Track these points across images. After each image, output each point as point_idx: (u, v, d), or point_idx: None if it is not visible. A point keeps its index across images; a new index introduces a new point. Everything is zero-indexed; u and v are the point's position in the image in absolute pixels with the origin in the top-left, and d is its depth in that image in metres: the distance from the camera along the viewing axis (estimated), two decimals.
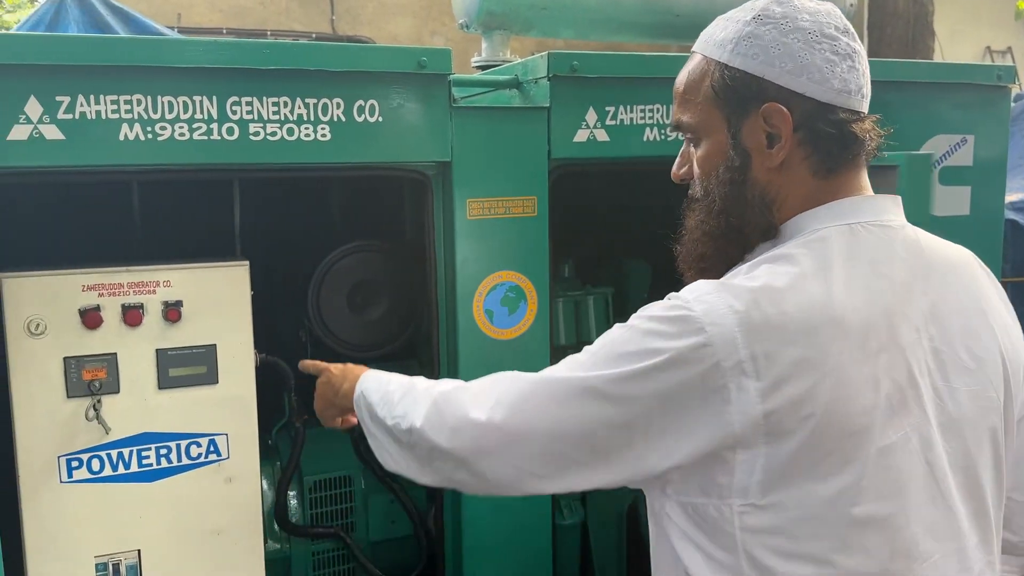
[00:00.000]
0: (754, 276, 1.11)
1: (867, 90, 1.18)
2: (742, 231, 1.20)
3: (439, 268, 2.24)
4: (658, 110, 2.35)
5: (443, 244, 2.23)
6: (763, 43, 1.14)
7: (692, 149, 1.27)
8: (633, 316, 1.15)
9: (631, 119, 2.32)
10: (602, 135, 2.30)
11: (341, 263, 2.56)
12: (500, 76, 2.41)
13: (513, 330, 2.29)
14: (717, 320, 1.06)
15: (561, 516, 2.78)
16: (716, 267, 1.22)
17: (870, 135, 1.18)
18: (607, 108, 2.29)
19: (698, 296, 1.10)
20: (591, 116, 2.28)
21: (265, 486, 2.48)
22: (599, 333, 2.85)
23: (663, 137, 2.36)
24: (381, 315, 2.63)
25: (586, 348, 1.20)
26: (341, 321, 2.57)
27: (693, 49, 1.25)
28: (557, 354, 2.10)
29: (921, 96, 2.62)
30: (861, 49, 1.17)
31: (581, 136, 2.28)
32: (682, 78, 1.25)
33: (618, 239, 3.28)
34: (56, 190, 2.40)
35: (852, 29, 1.17)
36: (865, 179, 1.21)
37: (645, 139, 2.35)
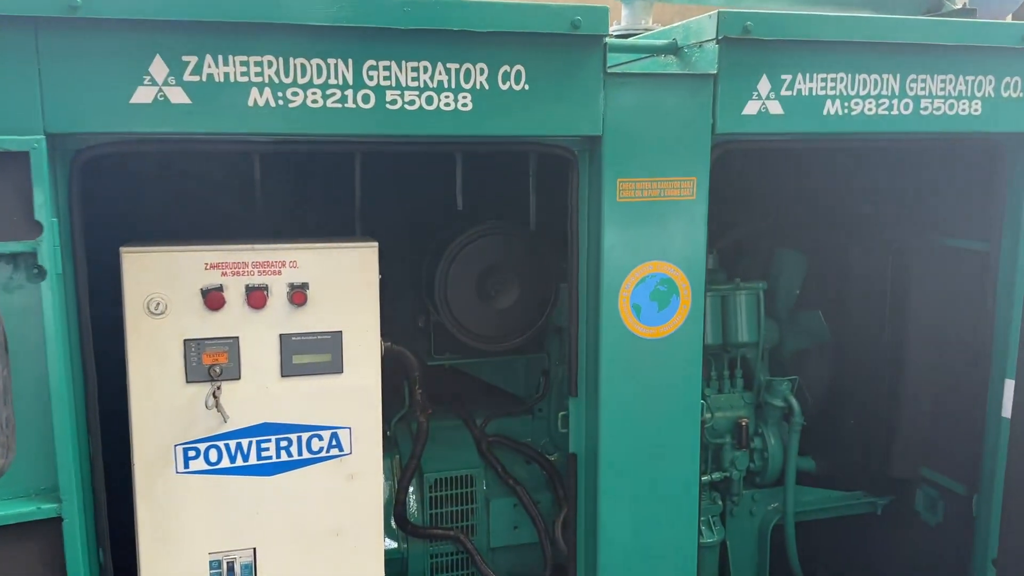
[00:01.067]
0: None
1: None
2: None
3: (581, 256, 2.01)
4: (841, 79, 2.03)
5: (587, 229, 1.99)
6: None
7: None
8: None
9: (810, 89, 2.01)
10: (775, 107, 2.00)
11: (471, 246, 2.36)
12: (657, 40, 2.14)
13: (662, 328, 2.03)
14: None
15: (700, 535, 2.51)
16: None
17: None
18: (783, 76, 1.99)
19: None
20: (764, 85, 1.98)
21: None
22: (750, 333, 2.63)
23: (846, 111, 2.04)
24: (511, 304, 2.42)
25: None
26: (469, 309, 2.38)
27: None
28: None
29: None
30: None
31: (751, 108, 1.99)
32: None
33: (770, 225, 2.96)
34: (177, 159, 2.29)
35: None
36: None
37: (825, 112, 2.03)
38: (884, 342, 2.68)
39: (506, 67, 1.80)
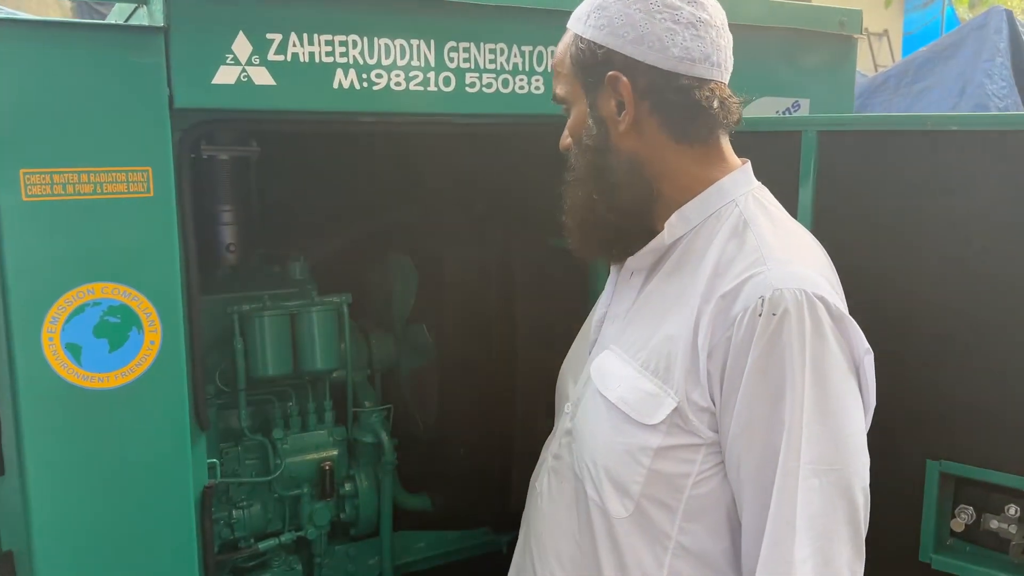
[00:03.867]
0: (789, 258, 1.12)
1: (720, 59, 1.21)
2: (618, 197, 1.22)
3: None
4: (355, 44, 1.59)
5: None
6: (609, 14, 1.18)
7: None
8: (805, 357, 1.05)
9: (311, 54, 1.55)
10: (262, 75, 1.52)
11: None
12: None
13: (119, 374, 1.49)
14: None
15: None
16: (621, 240, 1.26)
17: (725, 103, 1.21)
18: (270, 36, 1.51)
19: (818, 286, 1.09)
20: (242, 46, 1.49)
21: None
22: (325, 359, 2.13)
23: (365, 85, 1.60)
24: None
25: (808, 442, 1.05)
26: None
27: (567, 26, 1.27)
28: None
29: (740, 45, 1.96)
30: (715, 19, 1.20)
31: (226, 76, 1.49)
32: (557, 52, 1.28)
33: (380, 228, 2.52)
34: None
35: (708, 1, 1.20)
36: (730, 146, 1.26)
37: (336, 86, 1.59)
38: (494, 354, 2.33)
39: None
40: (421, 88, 1.66)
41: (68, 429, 1.46)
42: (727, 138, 1.25)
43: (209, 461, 1.70)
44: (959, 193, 1.45)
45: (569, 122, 1.27)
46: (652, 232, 1.23)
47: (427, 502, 2.42)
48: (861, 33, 2.14)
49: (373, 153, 2.40)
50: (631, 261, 1.26)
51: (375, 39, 1.61)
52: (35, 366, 1.42)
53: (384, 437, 2.22)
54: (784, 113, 2.03)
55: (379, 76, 1.62)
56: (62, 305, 1.43)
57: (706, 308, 1.10)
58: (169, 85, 1.45)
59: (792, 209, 1.55)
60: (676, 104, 1.18)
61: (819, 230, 1.47)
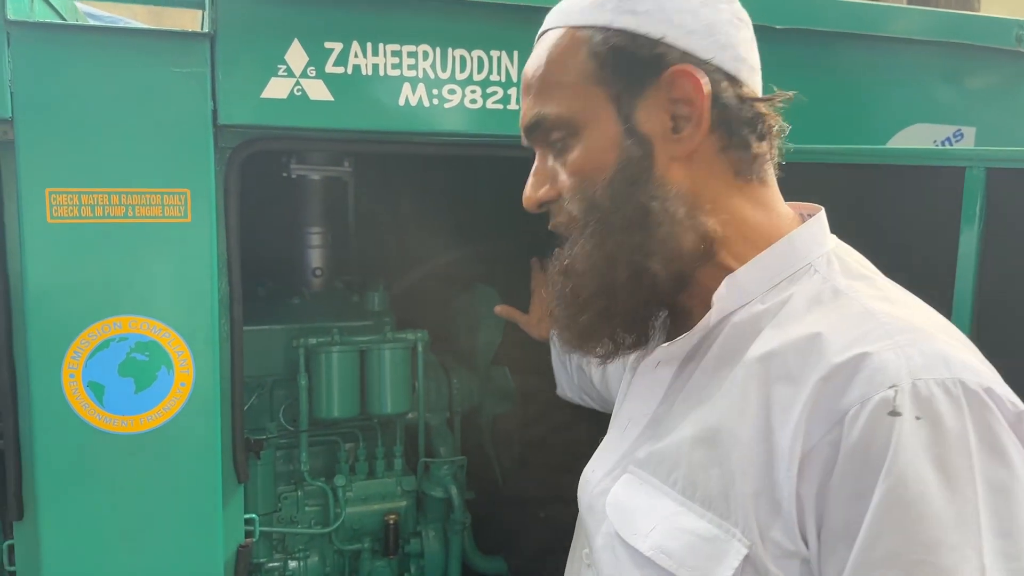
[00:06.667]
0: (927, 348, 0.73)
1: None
2: (671, 251, 0.84)
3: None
4: (426, 55, 1.39)
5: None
6: None
7: (553, 161, 0.92)
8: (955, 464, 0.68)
9: (375, 66, 1.37)
10: (319, 90, 1.35)
11: None
12: None
13: (146, 417, 1.34)
14: None
15: None
16: (633, 322, 0.90)
17: (780, 128, 0.90)
18: (329, 44, 1.34)
19: (980, 373, 0.73)
20: (296, 56, 1.32)
21: None
22: (396, 402, 1.93)
23: (436, 102, 1.40)
24: None
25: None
26: None
27: (545, 28, 0.92)
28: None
29: (889, 62, 1.64)
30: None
31: (278, 90, 1.33)
32: (536, 62, 0.90)
33: (466, 257, 2.33)
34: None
35: None
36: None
37: (403, 103, 1.39)
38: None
39: None
40: (500, 106, 1.45)
41: (86, 476, 1.32)
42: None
43: (247, 516, 1.53)
44: None
45: (575, 155, 0.88)
46: (680, 306, 0.91)
47: (502, 566, 2.18)
48: None
49: (473, 175, 2.20)
50: (661, 351, 0.90)
51: (449, 50, 1.40)
52: (53, 405, 1.29)
53: (454, 492, 2.00)
54: (944, 144, 1.68)
55: (452, 92, 1.42)
56: (85, 339, 1.29)
57: (789, 394, 0.75)
58: (213, 99, 1.30)
59: (951, 262, 1.23)
60: (742, 122, 0.86)
61: (984, 289, 1.15)
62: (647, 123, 0.85)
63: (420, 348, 2.00)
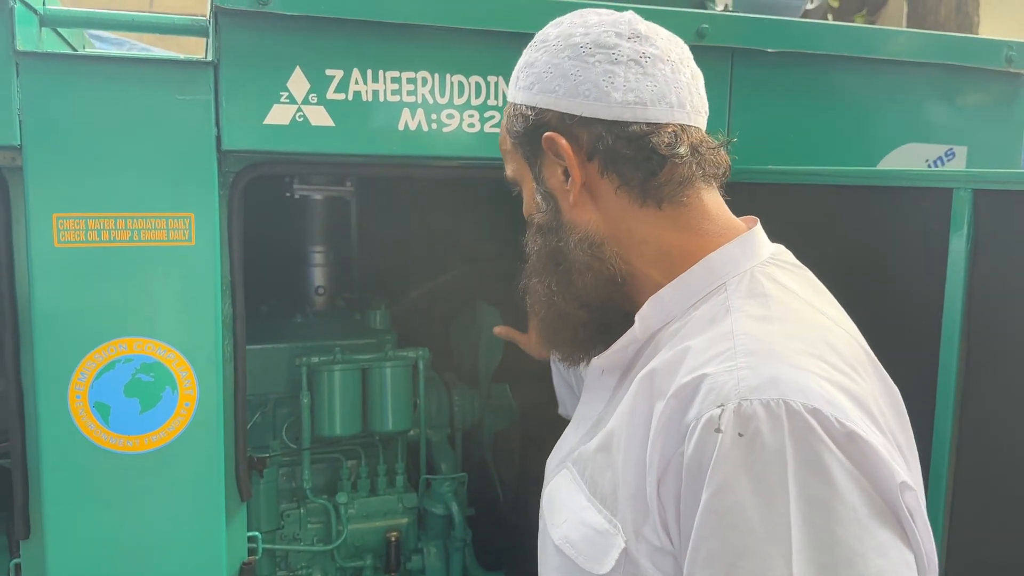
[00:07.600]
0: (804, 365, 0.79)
1: (682, 98, 0.96)
2: (577, 285, 0.99)
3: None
4: (425, 81, 1.42)
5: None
6: (536, 70, 0.99)
7: None
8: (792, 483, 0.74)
9: (375, 92, 1.40)
10: (320, 115, 1.38)
11: None
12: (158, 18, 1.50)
13: (151, 437, 1.36)
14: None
15: None
16: (595, 335, 1.03)
17: (698, 148, 0.96)
18: (330, 72, 1.37)
19: (810, 394, 0.77)
20: (298, 83, 1.36)
21: None
22: (397, 420, 1.96)
23: (434, 127, 1.44)
24: None
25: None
26: None
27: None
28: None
29: (881, 82, 1.67)
30: (668, 53, 0.96)
31: (280, 116, 1.36)
32: (501, 127, 1.09)
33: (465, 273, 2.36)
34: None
35: (657, 33, 0.97)
36: (723, 205, 1.00)
37: (403, 127, 1.42)
38: None
39: None
40: (497, 130, 1.48)
41: (92, 495, 1.34)
42: (715, 193, 0.99)
43: (250, 534, 1.55)
44: None
45: (524, 205, 1.08)
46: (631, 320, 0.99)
47: None
48: None
49: (473, 194, 2.24)
50: (597, 360, 1.02)
51: (447, 76, 1.44)
52: (60, 425, 1.31)
53: (455, 509, 2.01)
54: (935, 164, 1.71)
55: (450, 117, 1.45)
56: (92, 360, 1.32)
57: (657, 408, 0.83)
58: (217, 125, 1.33)
59: (939, 283, 1.25)
60: (631, 158, 0.95)
61: (973, 310, 1.17)
62: (550, 179, 1.00)
63: (421, 365, 2.02)
